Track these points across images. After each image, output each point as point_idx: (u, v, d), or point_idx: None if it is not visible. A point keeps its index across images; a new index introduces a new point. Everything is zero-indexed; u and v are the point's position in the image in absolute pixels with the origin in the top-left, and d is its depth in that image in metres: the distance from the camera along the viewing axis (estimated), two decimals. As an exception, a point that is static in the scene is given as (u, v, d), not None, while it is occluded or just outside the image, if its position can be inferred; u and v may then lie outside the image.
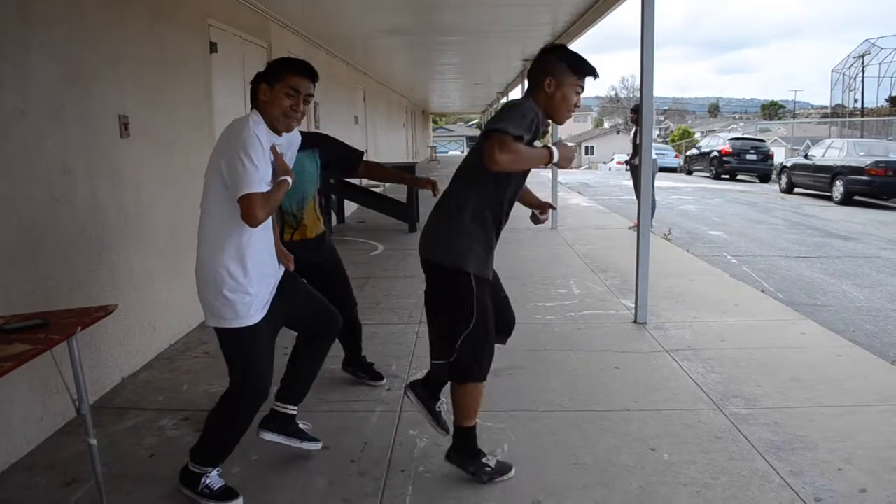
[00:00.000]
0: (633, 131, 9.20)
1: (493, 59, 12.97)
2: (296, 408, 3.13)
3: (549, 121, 2.85)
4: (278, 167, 2.66)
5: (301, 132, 3.22)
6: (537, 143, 2.76)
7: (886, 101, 38.40)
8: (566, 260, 7.76)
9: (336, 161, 3.80)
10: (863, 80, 38.53)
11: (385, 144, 17.08)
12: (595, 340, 4.80)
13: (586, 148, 57.91)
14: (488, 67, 14.62)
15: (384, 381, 4.03)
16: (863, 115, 34.72)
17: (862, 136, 26.05)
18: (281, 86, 2.66)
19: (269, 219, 2.69)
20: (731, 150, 23.75)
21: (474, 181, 2.77)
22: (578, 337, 4.88)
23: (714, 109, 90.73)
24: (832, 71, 41.28)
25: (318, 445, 3.16)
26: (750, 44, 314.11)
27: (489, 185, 2.74)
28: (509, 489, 2.86)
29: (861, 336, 5.36)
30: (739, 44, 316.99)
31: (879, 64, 37.41)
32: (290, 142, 2.89)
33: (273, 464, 3.08)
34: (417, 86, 20.47)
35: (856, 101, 39.51)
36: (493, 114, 2.66)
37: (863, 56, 38.29)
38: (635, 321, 5.19)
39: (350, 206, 11.53)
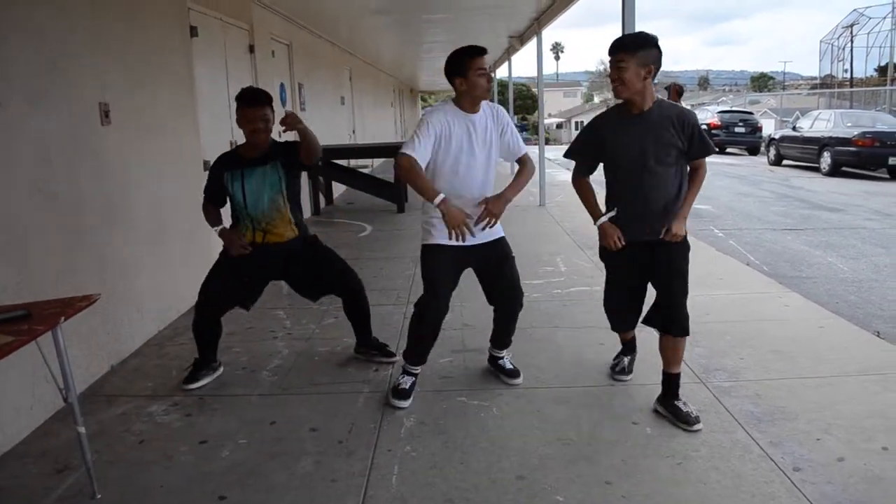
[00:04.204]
0: None
1: (479, 37, 12.83)
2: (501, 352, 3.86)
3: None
4: None
5: (272, 141, 3.73)
6: None
7: (875, 70, 38.36)
8: (554, 237, 7.80)
9: (289, 156, 3.72)
10: (851, 51, 38.45)
11: (373, 124, 17.01)
12: (581, 317, 4.84)
13: (576, 123, 57.76)
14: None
15: (396, 357, 4.02)
16: (852, 86, 34.71)
17: (851, 107, 26.05)
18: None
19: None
20: (719, 123, 23.72)
21: None
22: (564, 314, 4.92)
23: (704, 82, 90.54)
24: (821, 41, 41.14)
25: (519, 380, 3.76)
26: (738, 15, 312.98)
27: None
28: (495, 466, 2.91)
29: (844, 307, 5.42)
30: (727, 15, 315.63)
31: (868, 34, 37.28)
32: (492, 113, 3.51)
33: (261, 446, 3.12)
34: (405, 65, 20.33)
35: (845, 71, 39.45)
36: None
37: (851, 26, 38.15)
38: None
39: (338, 188, 11.52)
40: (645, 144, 3.16)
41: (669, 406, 3.29)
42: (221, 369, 3.98)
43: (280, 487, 2.79)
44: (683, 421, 3.20)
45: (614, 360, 3.86)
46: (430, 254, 3.47)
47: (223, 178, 3.68)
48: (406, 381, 3.57)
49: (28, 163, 3.37)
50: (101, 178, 4.03)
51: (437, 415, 3.39)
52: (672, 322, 3.27)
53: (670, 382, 3.33)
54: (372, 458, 3.00)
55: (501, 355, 3.85)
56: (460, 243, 3.29)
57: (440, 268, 3.45)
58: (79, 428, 2.67)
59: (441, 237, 3.36)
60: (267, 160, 3.67)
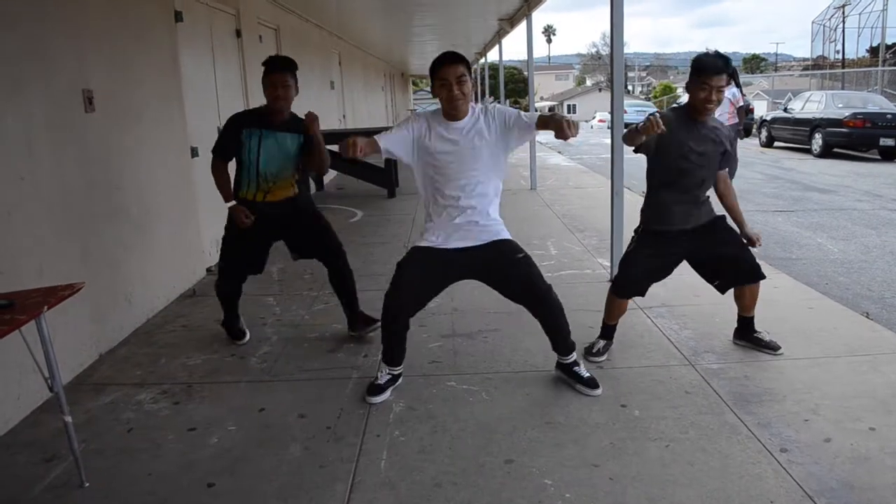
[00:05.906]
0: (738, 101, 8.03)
1: (469, 20, 12.81)
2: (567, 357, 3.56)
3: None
4: None
5: (295, 115, 3.91)
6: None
7: (867, 51, 38.33)
8: (545, 221, 7.79)
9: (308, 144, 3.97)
10: (843, 32, 38.38)
11: (364, 108, 16.92)
12: (571, 300, 4.80)
13: (568, 107, 57.64)
14: (465, 28, 14.45)
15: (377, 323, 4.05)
16: (843, 67, 34.68)
17: (843, 88, 26.05)
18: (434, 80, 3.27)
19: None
20: (711, 105, 23.68)
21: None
22: (555, 298, 4.91)
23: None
24: (812, 22, 41.10)
25: (598, 391, 3.43)
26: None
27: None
28: (483, 450, 2.91)
29: (833, 288, 5.44)
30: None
31: (859, 14, 37.19)
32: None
33: (249, 432, 3.12)
34: (395, 49, 20.20)
35: (837, 52, 39.40)
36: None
37: (843, 7, 38.05)
38: (611, 280, 5.22)
39: (329, 174, 11.45)
40: (699, 147, 3.58)
41: (751, 337, 3.91)
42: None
43: (269, 474, 2.79)
44: (766, 347, 3.84)
45: (591, 343, 3.94)
46: (409, 254, 3.41)
47: (241, 133, 3.83)
48: (382, 378, 3.47)
49: (10, 151, 3.33)
50: (85, 165, 3.99)
51: (425, 399, 3.40)
52: (756, 274, 3.81)
53: (749, 322, 3.93)
54: (360, 443, 3.00)
55: (568, 360, 3.54)
56: (446, 246, 3.32)
57: (411, 265, 3.35)
58: (65, 417, 2.66)
59: (426, 240, 3.37)
60: (288, 129, 3.87)
